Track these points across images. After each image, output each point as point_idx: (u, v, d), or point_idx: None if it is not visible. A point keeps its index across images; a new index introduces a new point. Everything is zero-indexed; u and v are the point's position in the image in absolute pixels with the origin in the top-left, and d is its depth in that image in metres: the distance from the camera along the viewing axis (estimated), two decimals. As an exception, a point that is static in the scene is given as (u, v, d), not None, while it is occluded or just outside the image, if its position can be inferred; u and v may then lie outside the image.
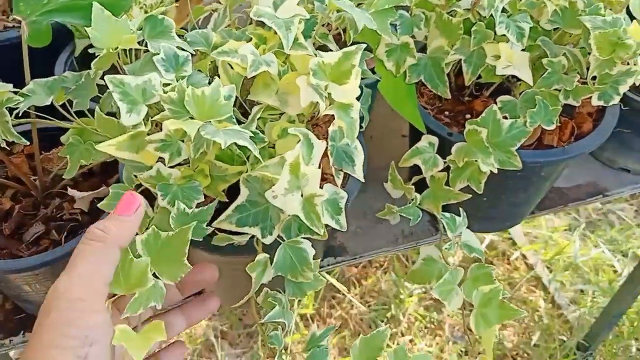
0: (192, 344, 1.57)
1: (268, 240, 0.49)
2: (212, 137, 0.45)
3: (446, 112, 0.70)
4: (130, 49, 0.56)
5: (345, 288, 1.71)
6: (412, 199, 0.64)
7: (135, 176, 0.50)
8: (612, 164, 0.87)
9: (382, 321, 1.65)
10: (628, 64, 0.59)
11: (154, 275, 0.43)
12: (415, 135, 0.69)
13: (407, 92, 0.66)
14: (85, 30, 0.50)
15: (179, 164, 0.50)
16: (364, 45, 0.51)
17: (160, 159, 0.48)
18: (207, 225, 0.49)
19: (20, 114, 0.54)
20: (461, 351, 1.59)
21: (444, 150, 0.63)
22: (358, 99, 0.52)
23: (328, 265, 0.77)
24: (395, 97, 0.65)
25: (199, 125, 0.46)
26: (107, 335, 0.39)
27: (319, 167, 0.50)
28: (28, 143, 0.55)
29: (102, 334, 0.39)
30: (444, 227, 0.64)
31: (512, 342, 1.61)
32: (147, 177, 0.48)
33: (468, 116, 0.69)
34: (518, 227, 1.84)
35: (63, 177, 0.58)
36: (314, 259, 0.51)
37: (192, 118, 0.48)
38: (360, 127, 0.64)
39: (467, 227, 0.65)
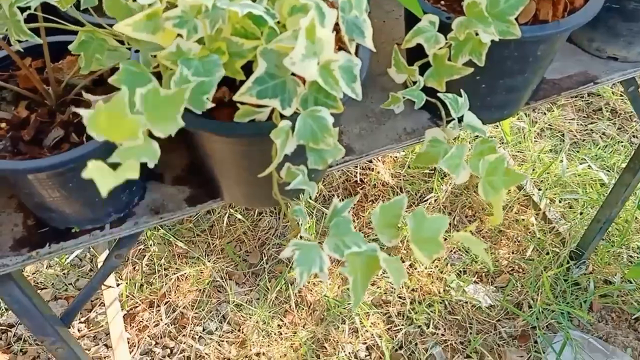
0: (201, 285, 1.61)
1: (288, 112, 0.51)
2: (229, 6, 0.46)
3: (442, 2, 0.72)
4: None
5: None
6: (416, 82, 0.66)
7: (154, 56, 0.51)
8: (601, 53, 0.90)
9: (382, 249, 1.69)
10: None
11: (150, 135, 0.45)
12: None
13: (404, -20, 0.67)
14: None
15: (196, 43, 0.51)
16: None
17: (178, 36, 0.50)
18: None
19: (32, 9, 0.54)
20: (460, 271, 1.65)
21: (443, 33, 0.65)
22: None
23: (337, 164, 0.79)
24: (394, -16, 0.67)
25: (214, -1, 0.47)
26: None
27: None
28: (40, 41, 0.56)
29: None
30: (448, 111, 0.66)
31: (507, 259, 1.67)
32: (167, 54, 0.50)
33: (464, 3, 0.71)
34: (505, 151, 1.89)
35: (80, 80, 0.59)
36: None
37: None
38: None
39: None
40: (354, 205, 1.81)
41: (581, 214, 1.72)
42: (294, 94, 0.51)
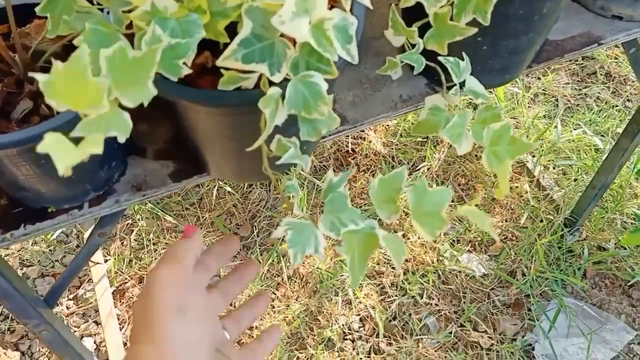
0: (190, 259, 1.58)
1: (277, 77, 0.47)
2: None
3: (441, -44, 0.67)
4: None
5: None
6: (415, 45, 0.62)
7: (126, 12, 0.46)
8: (605, 12, 0.85)
9: (375, 219, 1.67)
10: None
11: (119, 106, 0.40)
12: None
13: None
14: None
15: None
16: None
17: (154, -6, 0.45)
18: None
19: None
20: (453, 240, 1.63)
21: None
22: None
23: (330, 135, 0.75)
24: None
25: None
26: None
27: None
28: (4, 3, 0.50)
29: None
30: (448, 76, 0.62)
31: (501, 227, 1.66)
32: (140, 13, 0.44)
33: (464, -43, 0.66)
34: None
35: (49, 44, 0.54)
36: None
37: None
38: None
39: None
40: (346, 175, 1.77)
41: (575, 180, 1.70)
42: (284, 57, 0.47)
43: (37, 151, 0.35)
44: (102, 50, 0.40)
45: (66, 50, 0.60)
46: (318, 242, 0.47)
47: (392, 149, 1.82)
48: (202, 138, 0.61)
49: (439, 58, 0.61)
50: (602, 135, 1.82)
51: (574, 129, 1.82)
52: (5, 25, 0.61)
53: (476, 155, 1.76)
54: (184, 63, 0.44)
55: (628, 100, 1.95)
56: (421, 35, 0.63)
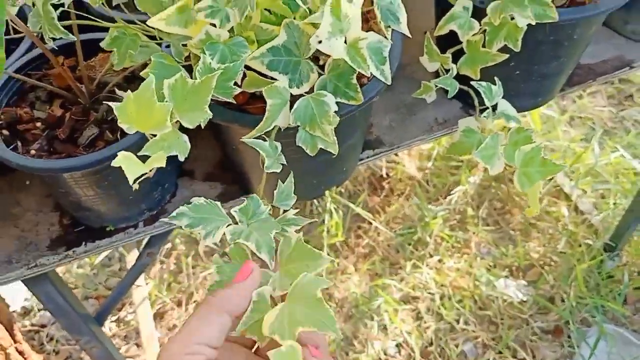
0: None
1: (295, 91, 0.50)
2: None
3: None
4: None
5: (371, 215, 1.73)
6: (448, 70, 0.65)
7: (184, 45, 0.51)
8: (636, 36, 0.87)
9: (409, 244, 1.68)
10: None
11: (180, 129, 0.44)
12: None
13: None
14: None
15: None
16: None
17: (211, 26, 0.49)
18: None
19: (66, 5, 0.55)
20: (489, 265, 1.63)
21: (475, 19, 0.64)
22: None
23: (367, 157, 0.78)
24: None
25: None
26: None
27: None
28: (75, 38, 0.56)
29: None
30: (481, 100, 0.65)
31: (539, 252, 1.64)
32: (197, 41, 0.49)
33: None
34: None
35: (113, 77, 0.59)
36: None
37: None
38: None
39: None
40: (380, 199, 1.79)
41: (614, 204, 1.68)
42: (306, 78, 0.50)
43: (112, 165, 0.40)
44: (166, 80, 0.44)
45: (128, 81, 0.65)
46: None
47: (427, 173, 1.84)
48: (249, 161, 0.66)
49: (472, 83, 0.65)
50: (641, 159, 1.80)
51: (612, 152, 1.81)
52: (73, 58, 0.67)
53: (510, 179, 1.76)
54: (235, 83, 0.48)
55: (666, 123, 1.92)
56: (454, 61, 0.66)
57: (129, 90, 0.62)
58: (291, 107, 0.50)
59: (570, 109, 1.97)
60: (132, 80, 0.65)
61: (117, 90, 0.63)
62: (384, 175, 1.85)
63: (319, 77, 0.51)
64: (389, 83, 0.50)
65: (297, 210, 0.50)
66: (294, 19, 0.50)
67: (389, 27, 0.52)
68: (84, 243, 0.69)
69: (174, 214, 0.45)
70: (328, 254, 1.68)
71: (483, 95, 0.64)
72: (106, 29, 0.57)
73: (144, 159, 0.43)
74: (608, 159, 1.77)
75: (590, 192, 1.74)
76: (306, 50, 0.49)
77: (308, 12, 0.48)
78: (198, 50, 0.49)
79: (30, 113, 0.63)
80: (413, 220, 1.74)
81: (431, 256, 1.67)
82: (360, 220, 1.75)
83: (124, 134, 0.61)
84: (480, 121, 0.68)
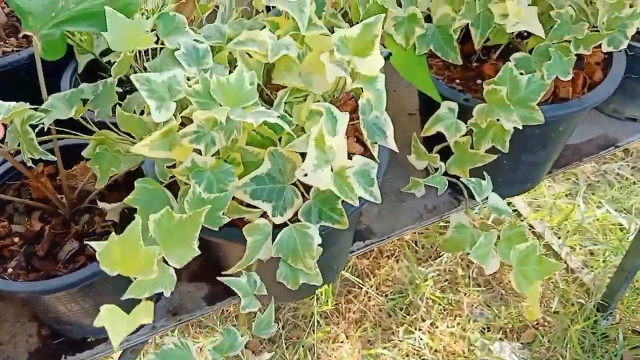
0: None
1: (278, 220, 0.49)
2: (243, 118, 0.45)
3: (457, 81, 0.71)
4: (142, 51, 0.56)
5: (360, 280, 1.71)
6: (437, 168, 0.64)
7: (169, 167, 0.50)
8: (619, 115, 0.88)
9: (401, 309, 1.65)
10: (631, 6, 0.60)
11: (164, 261, 0.42)
12: (427, 110, 0.70)
13: (418, 63, 0.66)
14: (85, 46, 0.50)
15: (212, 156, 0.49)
16: (383, 15, 0.51)
17: (195, 151, 0.48)
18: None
19: (44, 130, 0.53)
20: (483, 327, 1.60)
21: (461, 117, 0.64)
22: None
23: (358, 249, 0.77)
24: (408, 70, 0.66)
25: (228, 110, 0.46)
26: None
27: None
28: (55, 158, 0.54)
29: None
30: (470, 192, 0.64)
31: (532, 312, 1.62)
32: (182, 169, 0.48)
33: (479, 81, 0.70)
34: (520, 198, 1.86)
35: (94, 187, 0.57)
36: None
37: (220, 105, 0.48)
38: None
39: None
40: (369, 261, 1.77)
41: (604, 261, 1.68)
42: (290, 204, 0.49)
43: (94, 325, 0.37)
44: (151, 215, 0.43)
45: (109, 188, 0.63)
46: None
47: (415, 233, 1.83)
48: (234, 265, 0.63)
49: (461, 179, 0.64)
50: (627, 212, 1.81)
51: (597, 207, 1.82)
52: (53, 165, 0.66)
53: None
54: (223, 213, 0.47)
55: (649, 175, 1.95)
56: (443, 157, 0.66)
57: (111, 204, 0.60)
58: (273, 236, 0.48)
59: (554, 164, 1.99)
60: (115, 188, 0.64)
61: (98, 202, 0.61)
62: (373, 237, 1.83)
63: (303, 201, 0.49)
64: (379, 202, 0.49)
65: (271, 355, 0.49)
66: (280, 140, 0.49)
67: (376, 143, 0.51)
68: (64, 356, 0.66)
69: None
70: (318, 322, 1.64)
71: (473, 191, 0.64)
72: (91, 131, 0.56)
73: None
74: (594, 215, 1.78)
75: (579, 250, 1.73)
76: (291, 176, 0.48)
77: (293, 136, 0.47)
78: (183, 177, 0.48)
79: (7, 227, 0.60)
80: (404, 283, 1.72)
81: (423, 320, 1.64)
82: (350, 285, 1.71)
83: (106, 248, 0.58)
84: (471, 215, 0.67)
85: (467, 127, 0.62)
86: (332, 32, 0.60)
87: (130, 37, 0.51)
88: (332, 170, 0.47)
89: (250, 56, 0.54)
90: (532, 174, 0.76)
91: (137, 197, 0.48)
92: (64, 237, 0.60)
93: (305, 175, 0.45)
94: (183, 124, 0.49)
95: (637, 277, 1.62)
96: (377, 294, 1.68)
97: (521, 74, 0.60)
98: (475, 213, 0.64)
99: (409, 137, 0.84)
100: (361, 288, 1.68)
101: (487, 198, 0.66)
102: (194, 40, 0.53)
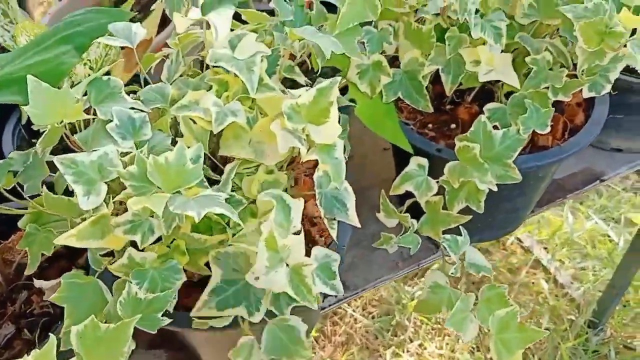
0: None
1: (256, 317, 0.44)
2: (183, 210, 0.39)
3: (429, 125, 0.66)
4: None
5: (345, 302, 1.66)
6: (409, 227, 0.59)
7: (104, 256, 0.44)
8: (604, 145, 0.84)
9: (388, 330, 1.61)
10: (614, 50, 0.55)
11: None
12: (398, 149, 0.64)
13: (386, 112, 0.61)
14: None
15: (153, 242, 0.44)
16: (339, 79, 0.46)
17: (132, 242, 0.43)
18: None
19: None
20: (472, 347, 1.56)
21: (434, 168, 0.59)
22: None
23: (329, 305, 0.72)
24: (375, 120, 0.60)
25: (166, 198, 0.40)
26: None
27: (302, 219, 0.45)
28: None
29: None
30: (446, 249, 0.60)
31: (522, 328, 1.58)
32: (118, 266, 0.43)
33: (453, 126, 0.65)
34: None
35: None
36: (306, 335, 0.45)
37: (159, 189, 0.43)
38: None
39: (471, 239, 0.61)
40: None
41: (594, 275, 1.64)
42: (262, 293, 0.44)
43: None
44: (74, 327, 0.37)
45: (50, 261, 0.58)
46: None
47: (401, 251, 1.78)
48: (193, 342, 0.58)
49: (436, 239, 0.59)
50: (616, 222, 1.78)
51: (586, 218, 1.78)
52: (-11, 235, 0.60)
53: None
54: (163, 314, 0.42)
55: (638, 182, 1.91)
56: (416, 210, 0.61)
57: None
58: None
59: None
60: (56, 259, 0.58)
61: (35, 281, 0.56)
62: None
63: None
64: (341, 294, 0.44)
65: None
66: (228, 224, 0.44)
67: (334, 219, 0.46)
68: None
69: None
70: (303, 347, 1.60)
71: (448, 249, 0.59)
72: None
73: None
74: (583, 228, 1.74)
75: (569, 263, 1.70)
76: (250, 266, 0.42)
77: (241, 224, 0.42)
78: (121, 273, 0.43)
79: (-63, 310, 0.55)
80: (390, 303, 1.67)
81: (411, 341, 1.60)
82: (336, 306, 1.67)
83: (42, 333, 0.53)
84: (447, 271, 0.62)
85: (438, 183, 0.57)
86: (292, 86, 0.55)
87: (57, 109, 0.45)
88: (287, 265, 0.42)
89: (195, 122, 0.49)
90: (511, 218, 0.72)
91: (63, 295, 0.43)
92: (0, 319, 0.54)
93: (257, 278, 0.40)
94: (122, 203, 0.44)
95: (628, 291, 1.59)
96: (363, 315, 1.64)
97: (495, 127, 0.56)
98: (452, 274, 0.59)
99: (382, 176, 0.79)
100: (346, 310, 1.64)
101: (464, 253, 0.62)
102: (131, 108, 0.47)
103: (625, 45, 0.52)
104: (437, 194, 0.57)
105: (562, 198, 0.79)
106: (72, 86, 0.64)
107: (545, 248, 1.71)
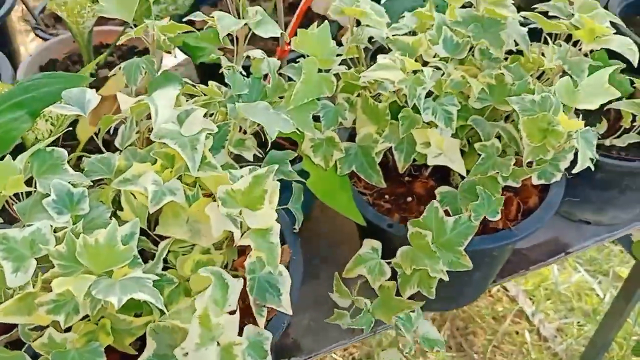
0: None
1: None
2: (105, 296, 0.40)
3: (386, 196, 0.66)
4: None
5: None
6: (363, 308, 0.59)
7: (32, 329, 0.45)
8: (570, 216, 0.83)
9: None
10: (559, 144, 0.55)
11: None
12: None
13: (340, 185, 0.61)
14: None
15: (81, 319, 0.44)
16: (276, 167, 0.47)
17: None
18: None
19: None
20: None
21: (387, 243, 0.59)
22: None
23: (284, 367, 0.71)
24: (328, 192, 0.61)
25: (90, 282, 0.41)
26: None
27: (238, 305, 0.45)
28: None
29: None
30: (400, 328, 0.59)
31: (503, 381, 1.56)
32: (39, 345, 0.43)
33: (409, 199, 0.65)
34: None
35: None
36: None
37: (88, 269, 0.43)
38: (294, 229, 0.60)
39: (427, 308, 0.61)
40: None
41: (578, 328, 1.62)
42: None
43: None
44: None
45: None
46: None
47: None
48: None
49: (392, 318, 0.58)
50: (604, 275, 1.75)
51: (574, 270, 1.76)
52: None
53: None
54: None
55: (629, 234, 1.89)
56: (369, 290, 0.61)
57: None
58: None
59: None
60: None
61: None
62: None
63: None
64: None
65: None
66: (157, 316, 0.44)
67: (264, 306, 0.46)
68: None
69: None
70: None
71: (402, 330, 0.59)
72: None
73: None
74: (569, 281, 1.72)
75: (554, 315, 1.67)
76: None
77: (165, 311, 0.42)
78: (42, 352, 0.43)
79: None
80: (371, 346, 1.65)
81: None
82: (315, 347, 1.65)
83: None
84: (406, 347, 0.62)
85: (389, 264, 0.57)
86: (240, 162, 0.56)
87: (-3, 178, 0.46)
88: (219, 344, 0.42)
89: (136, 197, 0.49)
90: (471, 290, 0.71)
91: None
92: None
93: (186, 354, 0.41)
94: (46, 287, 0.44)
95: (611, 347, 1.56)
96: (342, 358, 1.62)
97: (447, 212, 0.56)
98: (406, 354, 0.59)
99: (344, 231, 0.79)
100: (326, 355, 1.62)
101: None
102: (72, 182, 0.48)
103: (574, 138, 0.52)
104: (391, 278, 0.57)
105: (525, 270, 0.79)
106: (34, 141, 0.65)
107: (530, 298, 1.70)
